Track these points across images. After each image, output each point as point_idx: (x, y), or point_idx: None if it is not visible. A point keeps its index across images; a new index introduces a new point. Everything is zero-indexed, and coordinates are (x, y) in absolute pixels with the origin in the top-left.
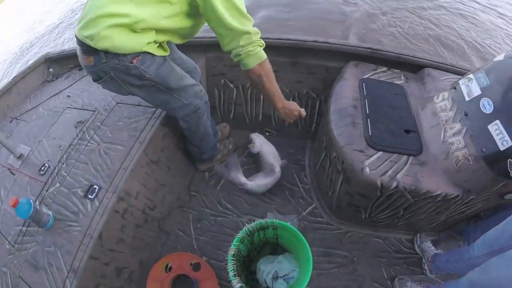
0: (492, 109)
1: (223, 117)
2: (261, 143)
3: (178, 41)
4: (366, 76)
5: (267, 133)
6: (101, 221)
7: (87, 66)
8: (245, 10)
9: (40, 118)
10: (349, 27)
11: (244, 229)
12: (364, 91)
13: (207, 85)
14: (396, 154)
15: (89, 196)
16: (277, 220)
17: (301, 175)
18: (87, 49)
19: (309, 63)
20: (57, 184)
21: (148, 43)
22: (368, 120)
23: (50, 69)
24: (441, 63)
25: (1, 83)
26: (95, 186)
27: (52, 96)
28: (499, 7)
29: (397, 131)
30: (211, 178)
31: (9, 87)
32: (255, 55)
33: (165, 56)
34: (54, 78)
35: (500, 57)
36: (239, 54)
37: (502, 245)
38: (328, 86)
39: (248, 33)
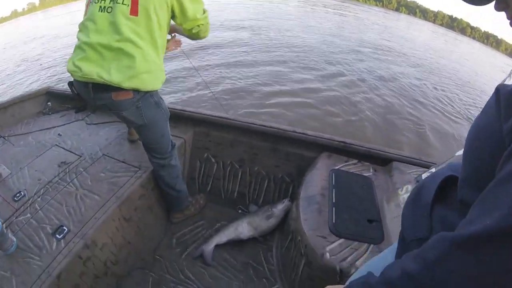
0: None
1: (200, 188)
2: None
3: None
4: (337, 167)
5: (239, 211)
6: (63, 263)
7: (123, 100)
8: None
9: (27, 146)
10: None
11: None
12: (333, 181)
13: (190, 156)
14: (357, 242)
15: (57, 235)
16: None
17: (267, 255)
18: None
19: (287, 150)
20: (28, 215)
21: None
22: (334, 208)
23: (49, 103)
24: (408, 157)
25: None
26: (64, 228)
27: (43, 129)
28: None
29: (361, 220)
30: (178, 245)
31: (5, 106)
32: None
33: None
34: (50, 113)
35: (460, 152)
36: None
37: None
38: (301, 173)
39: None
